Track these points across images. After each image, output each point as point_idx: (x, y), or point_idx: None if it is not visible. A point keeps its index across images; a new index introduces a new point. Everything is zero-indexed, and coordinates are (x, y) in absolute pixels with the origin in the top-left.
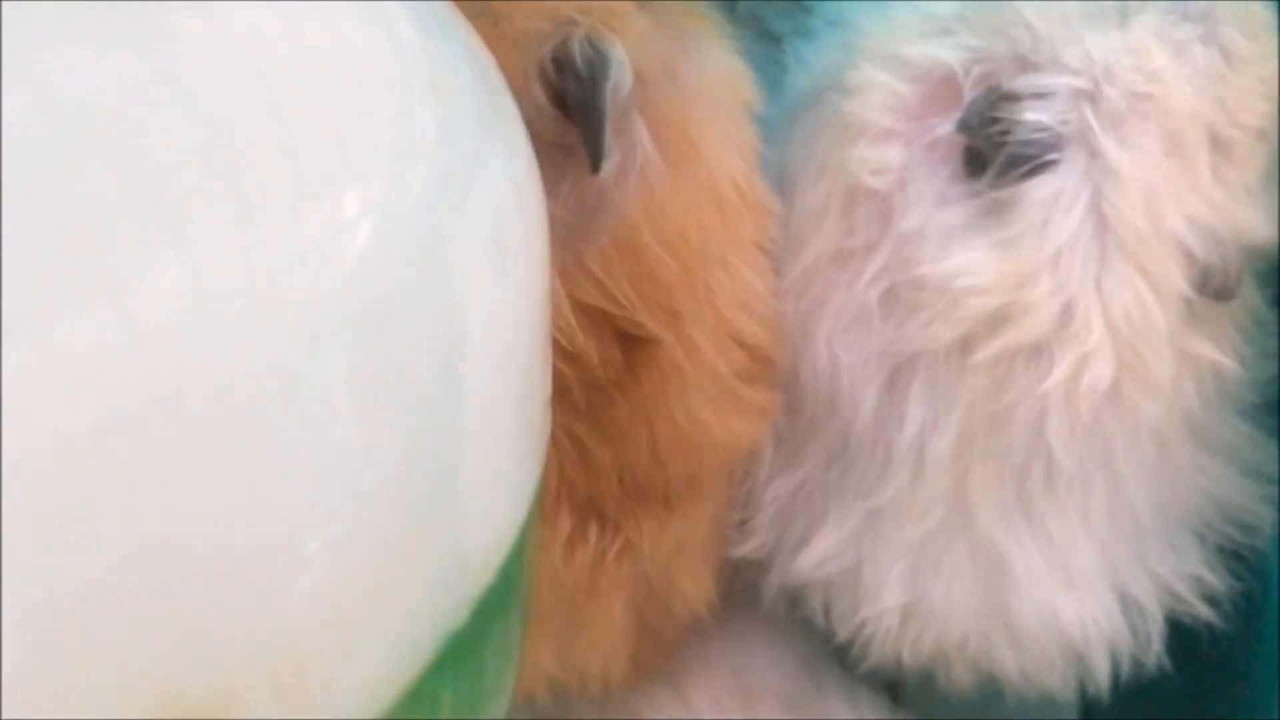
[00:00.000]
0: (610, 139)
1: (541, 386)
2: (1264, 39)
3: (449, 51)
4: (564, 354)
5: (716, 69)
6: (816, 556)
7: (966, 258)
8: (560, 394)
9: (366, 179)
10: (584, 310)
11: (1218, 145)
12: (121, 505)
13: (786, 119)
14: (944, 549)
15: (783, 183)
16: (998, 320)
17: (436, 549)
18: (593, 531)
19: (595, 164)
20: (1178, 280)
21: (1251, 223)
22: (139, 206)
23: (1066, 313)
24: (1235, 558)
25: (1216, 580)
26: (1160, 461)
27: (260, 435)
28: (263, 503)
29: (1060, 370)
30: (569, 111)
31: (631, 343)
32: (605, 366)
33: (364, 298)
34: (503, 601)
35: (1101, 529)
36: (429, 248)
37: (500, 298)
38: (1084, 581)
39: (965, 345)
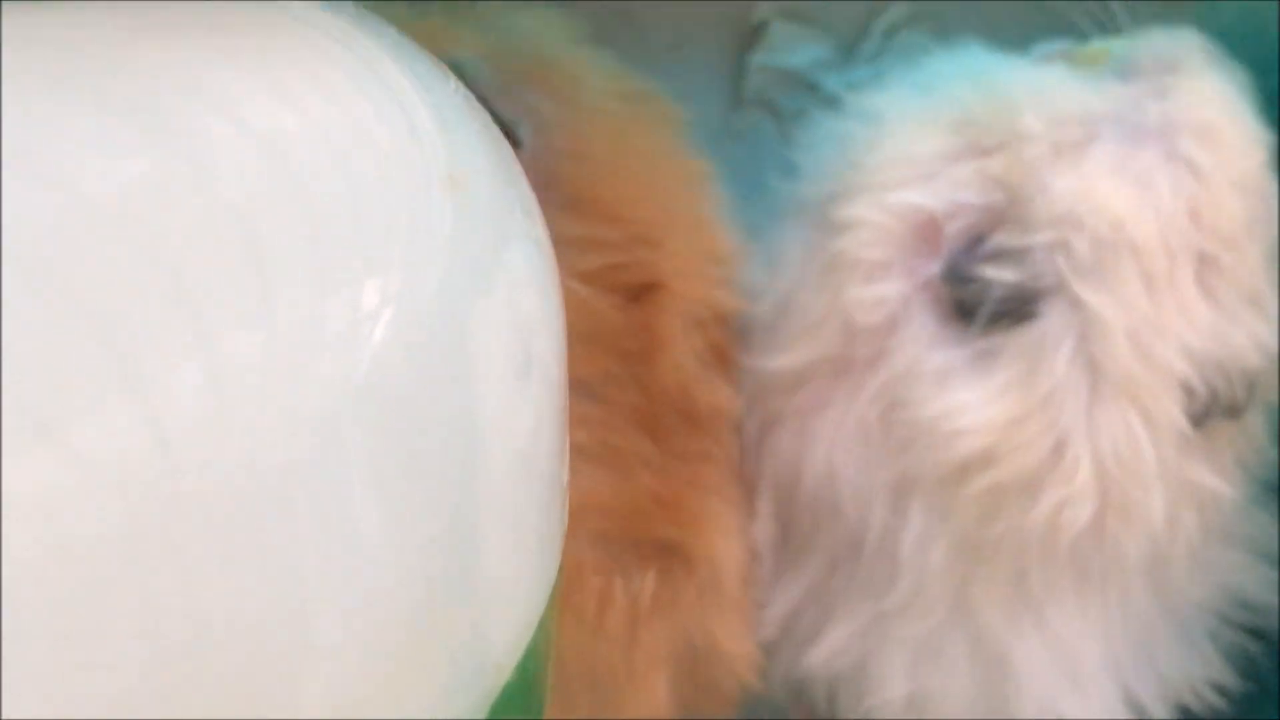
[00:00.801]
0: (503, 112)
1: (561, 476)
2: (1226, 142)
3: (467, 143)
4: (587, 336)
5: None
6: (825, 652)
7: (957, 399)
8: (594, 397)
9: (385, 270)
10: (587, 278)
11: (1203, 263)
12: (143, 608)
13: (787, 210)
14: (945, 641)
15: (774, 261)
16: (988, 458)
17: (455, 644)
18: (618, 587)
19: (513, 139)
20: (1173, 414)
21: (1257, 335)
22: (162, 304)
23: (1058, 450)
24: (1242, 644)
25: (1229, 679)
26: (1159, 579)
27: (281, 532)
28: (283, 600)
29: (1042, 506)
30: None
31: (637, 295)
32: (627, 330)
33: (383, 389)
34: (521, 699)
35: (1107, 632)
36: (448, 338)
37: (521, 386)
38: (1090, 682)
39: (959, 476)
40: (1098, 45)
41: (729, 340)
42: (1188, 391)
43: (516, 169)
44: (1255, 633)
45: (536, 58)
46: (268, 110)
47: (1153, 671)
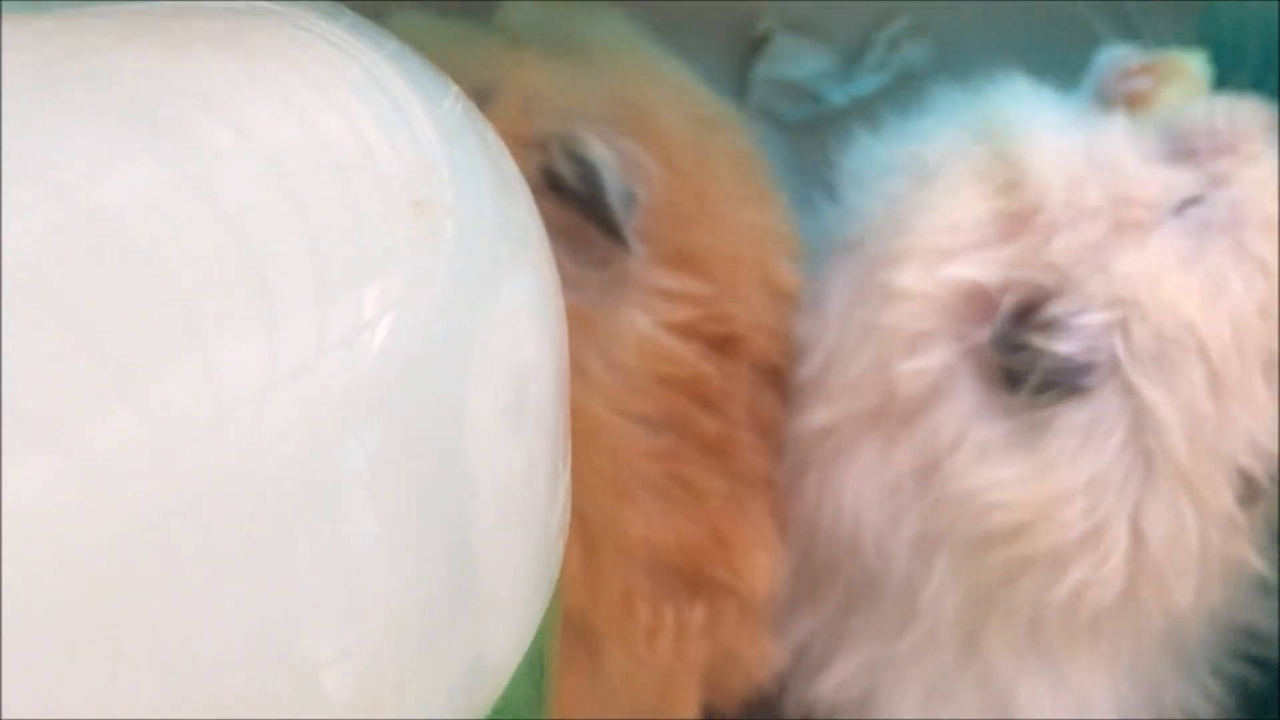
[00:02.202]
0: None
1: (561, 490)
2: None
3: (471, 160)
4: (667, 381)
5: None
6: (834, 682)
7: (998, 475)
8: (668, 431)
9: (384, 278)
10: (675, 330)
11: (1271, 363)
12: (142, 614)
13: (832, 249)
14: (955, 680)
15: (815, 310)
16: (1022, 532)
17: (452, 655)
18: (668, 617)
19: (627, 247)
20: (1227, 502)
21: None
22: (162, 311)
23: (1095, 533)
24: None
25: (1230, 711)
26: (1174, 628)
27: (280, 539)
28: (279, 608)
29: (1068, 582)
30: (577, 208)
31: (719, 345)
32: (713, 373)
33: (379, 400)
34: (517, 710)
35: (1116, 677)
36: (443, 348)
37: (516, 407)
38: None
39: (989, 543)
40: (1175, 55)
41: (784, 357)
42: (1247, 480)
43: (520, 190)
44: (1257, 662)
45: (636, 108)
46: (269, 119)
47: (1157, 708)
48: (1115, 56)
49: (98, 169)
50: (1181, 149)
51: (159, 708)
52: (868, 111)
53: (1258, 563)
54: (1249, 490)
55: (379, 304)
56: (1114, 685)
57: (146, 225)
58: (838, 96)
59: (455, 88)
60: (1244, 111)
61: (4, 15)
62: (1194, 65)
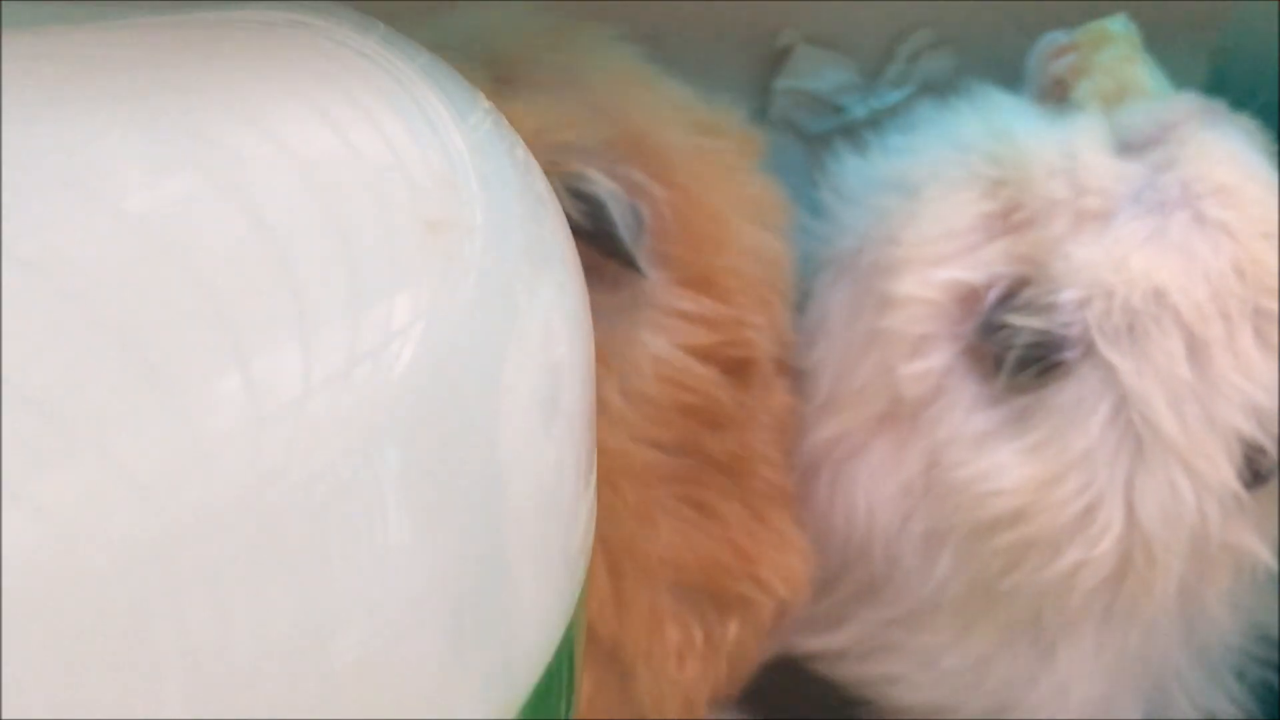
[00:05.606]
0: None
1: (588, 500)
2: (1247, 197)
3: (499, 173)
4: (684, 409)
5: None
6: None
7: (993, 461)
8: (684, 456)
9: (414, 289)
10: (694, 352)
11: (1259, 317)
12: (177, 616)
13: (825, 263)
14: (953, 661)
15: (817, 325)
16: (1020, 516)
17: (481, 658)
18: (698, 633)
19: (642, 273)
20: (1226, 476)
21: None
22: (199, 318)
23: (1089, 512)
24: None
25: (1253, 714)
26: (1190, 620)
27: (314, 543)
28: (315, 611)
29: (1062, 563)
30: (589, 245)
31: (734, 369)
32: (727, 399)
33: (412, 406)
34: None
35: (1119, 669)
36: (475, 358)
37: (546, 414)
38: (1089, 714)
39: (990, 530)
40: (1095, 24)
41: (788, 359)
42: (1256, 450)
43: (548, 203)
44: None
45: (634, 130)
46: (305, 131)
47: (1174, 708)
48: (1043, 42)
49: (139, 179)
50: (1124, 145)
51: (191, 709)
52: (888, 124)
53: (1262, 551)
54: (1262, 461)
55: (409, 313)
56: (1119, 680)
57: (187, 235)
58: (859, 109)
59: (485, 101)
60: (1171, 106)
61: (46, 28)
62: (1116, 27)
